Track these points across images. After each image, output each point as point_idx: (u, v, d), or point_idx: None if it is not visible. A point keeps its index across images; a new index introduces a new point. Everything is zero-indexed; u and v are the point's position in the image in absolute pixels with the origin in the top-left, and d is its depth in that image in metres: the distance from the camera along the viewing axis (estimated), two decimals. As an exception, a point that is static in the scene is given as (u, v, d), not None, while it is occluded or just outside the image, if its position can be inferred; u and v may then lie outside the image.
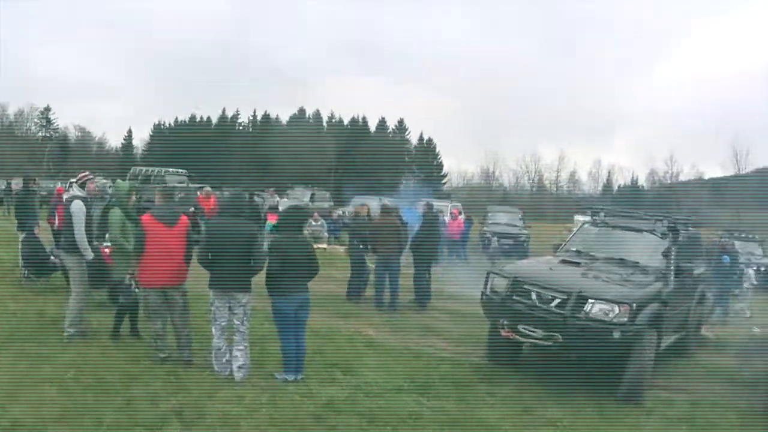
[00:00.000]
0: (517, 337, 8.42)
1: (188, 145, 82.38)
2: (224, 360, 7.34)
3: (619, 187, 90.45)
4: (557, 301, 8.16)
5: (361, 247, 13.43)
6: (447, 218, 23.70)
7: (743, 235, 24.02)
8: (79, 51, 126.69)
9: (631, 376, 7.97)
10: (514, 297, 8.60)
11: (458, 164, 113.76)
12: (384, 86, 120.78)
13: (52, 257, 11.94)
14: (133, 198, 9.03)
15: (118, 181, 9.65)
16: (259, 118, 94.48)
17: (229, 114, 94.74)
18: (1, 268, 14.07)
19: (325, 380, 7.74)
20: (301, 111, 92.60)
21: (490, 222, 27.89)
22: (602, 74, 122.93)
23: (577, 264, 9.34)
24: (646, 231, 10.17)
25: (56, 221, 13.88)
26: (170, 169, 33.34)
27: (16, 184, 40.70)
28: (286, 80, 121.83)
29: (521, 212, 30.51)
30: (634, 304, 7.89)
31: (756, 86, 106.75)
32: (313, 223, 21.85)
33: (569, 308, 7.92)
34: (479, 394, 7.90)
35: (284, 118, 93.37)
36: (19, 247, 12.75)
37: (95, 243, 9.15)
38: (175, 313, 7.71)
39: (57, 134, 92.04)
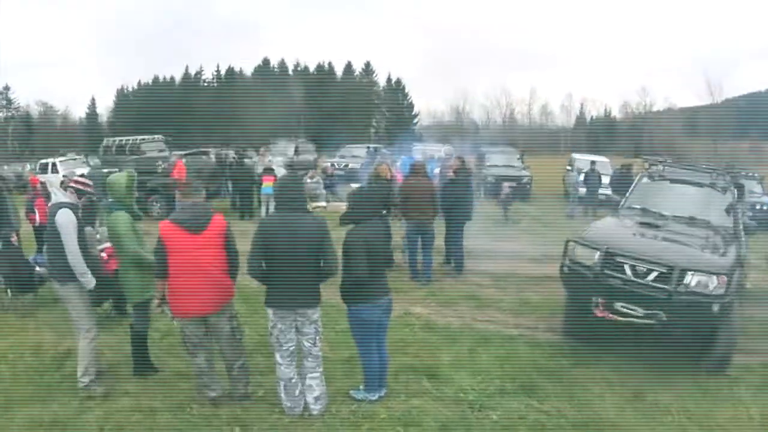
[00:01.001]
0: (615, 317, 7.22)
1: (154, 107, 79.67)
2: (296, 392, 5.62)
3: (591, 118, 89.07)
4: (654, 274, 7.08)
5: (384, 213, 11.55)
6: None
7: (742, 173, 23.03)
8: (30, 23, 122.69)
9: (722, 347, 7.20)
10: (607, 271, 7.31)
11: (427, 103, 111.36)
12: (348, 27, 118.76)
13: (37, 267, 9.86)
14: (136, 193, 6.85)
15: (114, 175, 6.85)
16: (223, 73, 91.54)
17: (192, 71, 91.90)
18: None
19: (415, 393, 6.22)
20: (266, 62, 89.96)
21: (488, 164, 25.76)
22: (572, 4, 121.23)
23: (657, 227, 8.27)
24: (707, 185, 9.22)
25: (37, 217, 12.47)
26: (146, 137, 30.15)
27: None
28: (247, 30, 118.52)
29: (519, 151, 28.50)
30: (730, 275, 7.03)
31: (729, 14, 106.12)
32: (309, 180, 20.15)
33: (673, 283, 6.87)
34: (581, 382, 6.78)
35: (249, 71, 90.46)
36: None
37: (92, 251, 7.18)
38: (223, 341, 5.92)
39: (19, 113, 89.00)
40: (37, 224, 12.45)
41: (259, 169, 18.47)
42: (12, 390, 6.50)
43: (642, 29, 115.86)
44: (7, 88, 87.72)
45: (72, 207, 6.33)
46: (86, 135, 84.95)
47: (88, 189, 6.72)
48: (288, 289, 5.45)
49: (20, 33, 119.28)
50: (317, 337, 5.63)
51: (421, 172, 11.38)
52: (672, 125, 65.23)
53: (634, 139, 69.22)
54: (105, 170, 25.87)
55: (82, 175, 7.16)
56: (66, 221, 6.17)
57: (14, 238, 9.97)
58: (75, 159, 33.35)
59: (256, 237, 5.43)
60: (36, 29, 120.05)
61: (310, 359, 5.64)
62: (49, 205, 6.78)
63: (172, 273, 5.55)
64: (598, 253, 7.41)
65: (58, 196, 6.61)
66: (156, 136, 31.11)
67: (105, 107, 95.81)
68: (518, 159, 27.00)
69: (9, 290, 9.69)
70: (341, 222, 6.03)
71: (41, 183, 14.07)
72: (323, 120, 78.18)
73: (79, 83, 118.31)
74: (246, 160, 19.35)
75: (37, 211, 12.46)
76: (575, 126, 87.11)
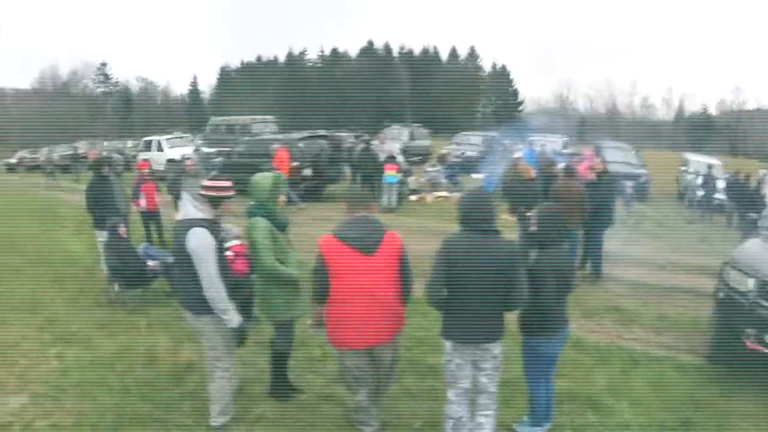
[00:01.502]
0: (765, 350, 6.46)
1: (258, 87, 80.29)
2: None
3: (689, 114, 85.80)
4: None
5: (521, 210, 10.50)
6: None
7: None
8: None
9: None
10: (761, 301, 6.58)
11: (530, 91, 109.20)
12: (453, 10, 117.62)
13: (148, 262, 9.17)
14: (282, 198, 5.92)
15: (259, 175, 5.78)
16: (327, 53, 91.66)
17: (296, 52, 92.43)
18: (76, 268, 11.75)
19: (580, 427, 5.66)
20: (370, 44, 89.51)
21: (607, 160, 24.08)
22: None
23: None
24: None
25: (143, 202, 12.25)
26: (256, 117, 30.27)
27: (82, 147, 39.16)
28: (352, 10, 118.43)
29: (633, 148, 26.48)
30: None
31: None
32: (429, 169, 19.59)
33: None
34: (731, 416, 6.13)
35: (353, 53, 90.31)
36: (101, 251, 9.81)
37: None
38: (382, 371, 5.19)
39: (117, 88, 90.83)
40: (143, 209, 12.36)
41: (381, 157, 17.92)
42: (122, 407, 5.85)
43: (740, 25, 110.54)
44: (104, 64, 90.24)
45: (208, 225, 4.98)
46: (188, 112, 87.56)
47: (227, 194, 5.21)
48: (472, 320, 4.66)
49: (117, 8, 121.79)
50: (496, 374, 4.84)
51: (572, 174, 10.72)
52: (765, 126, 61.96)
53: (729, 138, 66.96)
54: (208, 150, 26.07)
55: (216, 177, 5.58)
56: (201, 246, 4.84)
57: (123, 230, 9.20)
58: (182, 137, 31.91)
59: (439, 258, 4.62)
60: (134, 4, 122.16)
61: (484, 396, 4.88)
62: (177, 219, 5.38)
63: (336, 299, 4.81)
64: (753, 280, 6.70)
65: (187, 208, 5.09)
66: (267, 116, 31.05)
67: (207, 85, 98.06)
68: (635, 155, 25.14)
69: (116, 284, 9.16)
70: (525, 243, 5.33)
71: (150, 168, 13.43)
72: (429, 105, 77.32)
73: (180, 60, 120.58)
74: (371, 146, 18.62)
75: (144, 195, 12.26)
76: (674, 121, 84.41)
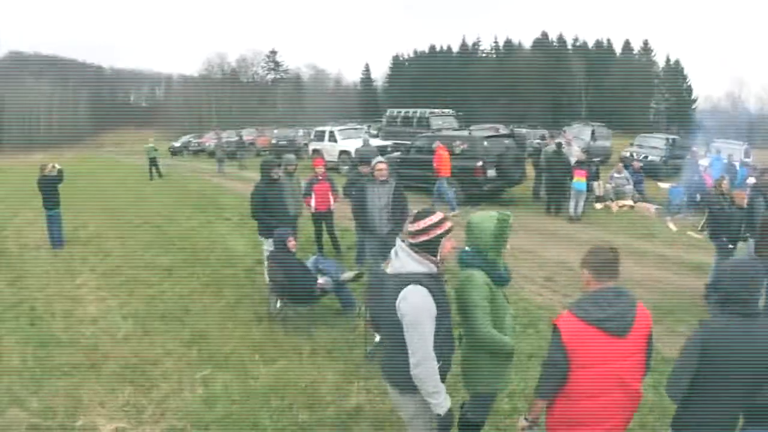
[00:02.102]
0: None
1: (432, 78, 79.79)
2: None
3: None
4: None
5: (725, 240, 9.36)
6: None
7: None
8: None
9: None
10: None
11: (703, 88, 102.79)
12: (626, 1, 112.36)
13: (319, 279, 7.93)
14: (508, 246, 4.48)
15: (479, 214, 4.42)
16: (501, 44, 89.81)
17: (470, 42, 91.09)
18: (235, 269, 10.95)
19: None
20: (544, 35, 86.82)
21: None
22: None
23: None
24: None
25: (313, 202, 11.20)
26: (435, 110, 28.81)
27: (250, 134, 39.18)
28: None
29: None
30: None
31: None
32: (616, 175, 18.10)
33: None
34: None
35: (527, 44, 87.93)
36: (265, 263, 8.76)
37: None
38: None
39: (288, 75, 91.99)
40: (313, 210, 11.37)
41: (572, 160, 16.65)
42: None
43: None
44: (274, 52, 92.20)
45: (428, 280, 3.67)
46: (359, 102, 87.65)
47: (445, 230, 3.82)
48: (715, 416, 3.54)
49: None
50: None
51: None
52: None
53: None
54: (378, 145, 24.80)
55: (421, 213, 3.89)
56: (417, 309, 3.58)
57: (292, 243, 7.89)
58: (356, 128, 30.02)
59: (691, 350, 3.46)
60: None
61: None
62: (391, 270, 3.88)
63: (573, 392, 3.57)
64: None
65: (402, 260, 3.74)
66: (446, 110, 29.97)
67: (380, 74, 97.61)
68: None
69: (279, 300, 8.22)
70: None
71: (325, 167, 12.29)
72: (603, 100, 74.35)
73: (352, 48, 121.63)
74: (564, 149, 17.18)
75: (314, 195, 11.27)
76: None
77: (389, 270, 3.94)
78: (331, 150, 26.57)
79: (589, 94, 77.69)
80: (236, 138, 38.24)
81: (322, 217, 11.54)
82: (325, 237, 11.77)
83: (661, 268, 11.32)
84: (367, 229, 8.46)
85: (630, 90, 75.82)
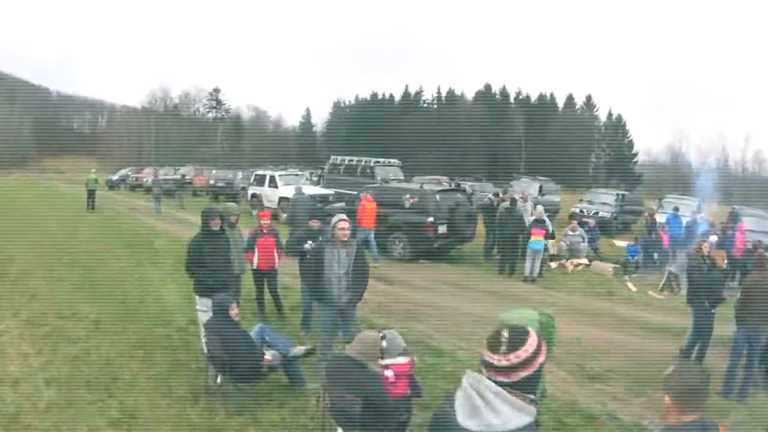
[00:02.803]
0: None
1: (372, 125, 79.90)
2: None
3: None
4: None
5: (707, 305, 9.04)
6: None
7: None
8: (243, 28, 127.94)
9: None
10: None
11: (642, 140, 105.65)
12: (570, 57, 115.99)
13: (266, 355, 6.82)
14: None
15: (507, 317, 4.23)
16: (443, 95, 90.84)
17: (412, 91, 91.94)
18: (168, 329, 9.69)
19: None
20: (487, 87, 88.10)
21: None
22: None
23: None
24: None
25: (255, 258, 10.13)
26: (381, 160, 28.38)
27: (189, 172, 38.31)
28: (469, 51, 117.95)
29: None
30: None
31: None
32: (570, 233, 17.69)
33: None
34: None
35: (470, 95, 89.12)
36: (200, 328, 7.74)
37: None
38: None
39: (229, 115, 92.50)
40: (254, 267, 10.22)
41: (527, 217, 16.21)
42: None
43: None
44: (217, 90, 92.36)
45: None
46: (298, 146, 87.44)
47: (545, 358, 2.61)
48: None
49: (233, 37, 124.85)
50: None
51: (765, 264, 8.78)
52: None
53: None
54: (320, 193, 24.47)
55: (514, 336, 2.37)
56: None
57: (234, 310, 6.79)
58: (297, 174, 29.43)
59: None
60: (250, 34, 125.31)
61: None
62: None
63: None
64: None
65: (501, 413, 2.23)
66: (392, 160, 29.52)
67: (320, 118, 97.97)
68: None
69: (219, 376, 6.99)
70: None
71: (271, 221, 10.89)
72: (543, 153, 75.40)
73: (293, 91, 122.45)
74: (520, 205, 16.68)
75: (257, 251, 10.16)
76: None
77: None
78: (270, 195, 25.67)
79: (528, 147, 78.82)
80: (173, 175, 37.69)
81: (265, 276, 10.42)
82: (267, 295, 10.68)
83: (626, 331, 11.05)
84: (323, 299, 7.39)
85: (570, 144, 77.19)
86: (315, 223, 9.63)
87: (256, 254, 10.15)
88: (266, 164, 39.02)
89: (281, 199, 24.94)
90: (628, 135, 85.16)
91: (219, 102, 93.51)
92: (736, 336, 8.49)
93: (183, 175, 35.78)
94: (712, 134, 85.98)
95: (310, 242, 9.17)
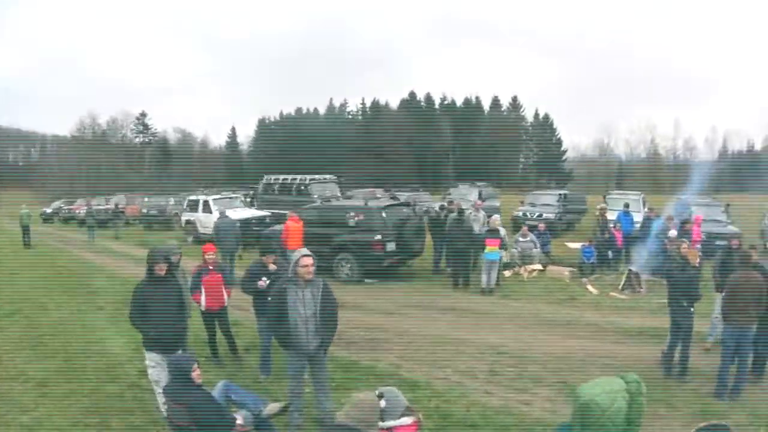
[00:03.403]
0: None
1: (298, 139, 79.71)
2: None
3: (732, 153, 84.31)
4: None
5: (686, 305, 8.86)
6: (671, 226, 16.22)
7: None
8: (173, 52, 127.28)
9: None
10: None
11: (570, 137, 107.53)
12: (495, 59, 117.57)
13: (237, 418, 5.77)
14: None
15: (589, 391, 3.57)
16: (368, 105, 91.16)
17: (337, 103, 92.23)
18: (118, 385, 8.64)
19: None
20: (412, 95, 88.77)
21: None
22: (711, 35, 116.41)
23: None
24: None
25: (203, 299, 9.14)
26: (316, 177, 27.62)
27: (121, 201, 37.11)
28: (391, 61, 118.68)
29: (723, 203, 21.92)
30: None
31: None
32: (521, 239, 17.28)
33: None
34: None
35: (395, 104, 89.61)
36: (153, 382, 7.11)
37: None
38: None
39: (156, 139, 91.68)
40: (203, 308, 9.22)
41: (478, 228, 15.73)
42: None
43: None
44: (144, 114, 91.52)
45: None
46: (226, 166, 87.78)
47: None
48: None
49: (158, 60, 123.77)
50: None
51: (751, 263, 8.53)
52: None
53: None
54: (256, 216, 23.90)
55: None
56: None
57: (197, 372, 5.58)
58: (231, 198, 27.65)
59: None
60: (175, 56, 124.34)
61: None
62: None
63: None
64: None
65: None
66: (327, 176, 28.77)
67: (245, 136, 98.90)
68: (723, 212, 21.22)
69: None
70: None
71: (215, 254, 9.68)
72: (471, 157, 76.10)
73: (218, 111, 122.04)
74: (467, 214, 16.26)
75: (204, 291, 9.14)
76: (718, 160, 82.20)
77: None
78: (205, 221, 24.47)
79: (456, 152, 79.39)
80: (105, 206, 37.02)
81: (215, 316, 9.47)
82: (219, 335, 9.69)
83: (600, 338, 10.75)
84: (290, 346, 6.60)
85: (498, 146, 78.15)
86: (269, 260, 8.83)
87: (203, 294, 9.15)
88: (195, 187, 38.33)
89: None
90: (556, 133, 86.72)
91: (146, 126, 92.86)
92: (724, 335, 8.43)
93: (116, 204, 34.55)
94: (641, 125, 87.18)
95: (264, 279, 8.53)
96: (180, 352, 6.79)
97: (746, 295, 8.15)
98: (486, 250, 14.48)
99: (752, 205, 23.96)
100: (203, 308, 9.24)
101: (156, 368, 6.84)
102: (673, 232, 15.26)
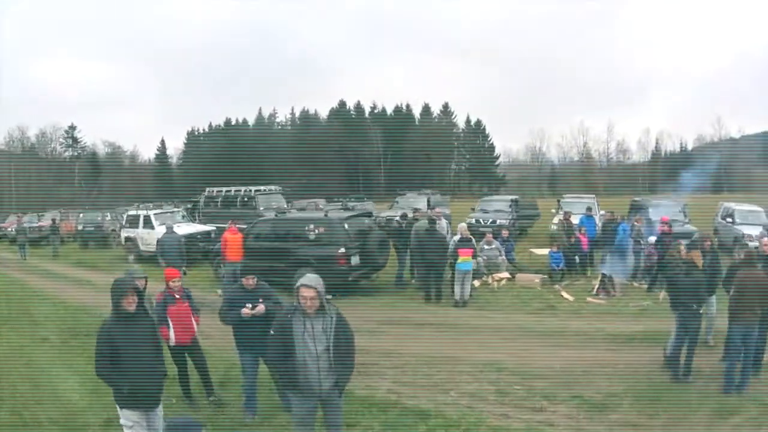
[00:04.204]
0: None
1: (228, 151, 78.60)
2: None
3: (664, 153, 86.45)
4: None
5: (695, 307, 8.76)
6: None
7: None
8: (99, 64, 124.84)
9: None
10: None
11: (502, 143, 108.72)
12: (424, 67, 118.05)
13: None
14: None
15: None
16: (297, 115, 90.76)
17: (266, 114, 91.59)
18: None
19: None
20: (342, 104, 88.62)
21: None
22: (641, 38, 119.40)
23: None
24: None
25: (171, 334, 7.96)
26: (261, 188, 26.51)
27: (53, 218, 34.96)
28: (321, 71, 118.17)
29: (682, 203, 21.97)
30: None
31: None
32: (486, 246, 16.84)
33: None
34: None
35: (324, 114, 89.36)
36: None
37: None
38: None
39: (85, 152, 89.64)
40: (172, 343, 8.05)
41: (451, 237, 15.22)
42: None
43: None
44: (72, 128, 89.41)
45: None
46: (156, 178, 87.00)
47: None
48: None
49: (85, 72, 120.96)
50: None
51: (754, 261, 8.85)
52: (747, 154, 60.26)
53: (710, 174, 65.62)
54: (201, 231, 22.95)
55: None
56: None
57: None
58: (173, 212, 26.14)
59: None
60: (101, 68, 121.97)
61: None
62: None
63: None
64: None
65: None
66: (273, 187, 27.84)
67: (174, 149, 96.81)
68: (680, 212, 21.19)
69: None
70: None
71: (180, 279, 8.43)
72: (403, 165, 76.33)
73: (146, 124, 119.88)
74: (438, 224, 15.46)
75: (171, 324, 7.99)
76: (650, 161, 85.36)
77: None
78: (147, 238, 23.34)
79: (388, 160, 79.49)
80: (37, 222, 35.51)
81: (186, 350, 8.29)
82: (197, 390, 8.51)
83: (594, 346, 10.50)
84: (298, 389, 5.59)
85: (430, 153, 78.55)
86: (250, 281, 7.63)
87: (171, 327, 7.96)
88: (125, 202, 36.72)
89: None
90: (489, 139, 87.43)
91: (75, 139, 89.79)
92: (731, 333, 8.52)
93: (53, 220, 31.79)
94: (573, 129, 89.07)
95: (248, 305, 7.33)
96: (161, 408, 5.94)
97: (752, 293, 8.31)
98: (459, 260, 13.96)
99: (701, 205, 24.25)
100: (172, 343, 8.02)
101: (134, 428, 5.75)
102: (652, 238, 15.29)
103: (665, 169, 77.05)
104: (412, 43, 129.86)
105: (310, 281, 5.51)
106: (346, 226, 15.45)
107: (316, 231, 15.48)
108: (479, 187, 77.65)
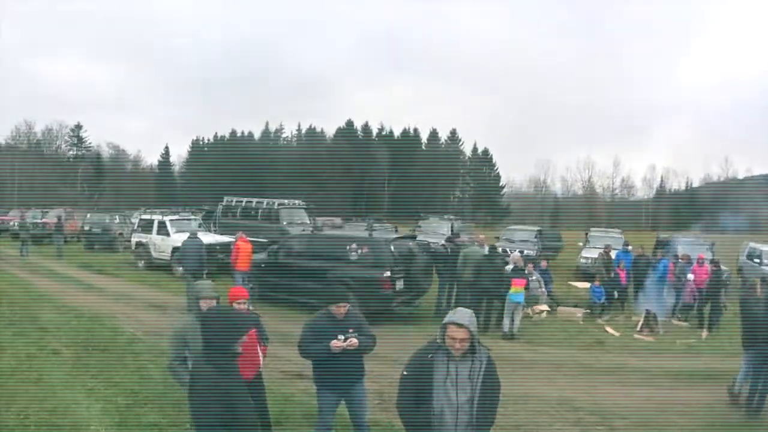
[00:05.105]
0: None
1: (232, 162, 78.69)
2: None
3: (669, 191, 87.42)
4: None
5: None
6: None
7: None
8: (110, 67, 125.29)
9: None
10: None
11: (506, 173, 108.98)
12: (434, 93, 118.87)
13: None
14: None
15: None
16: (304, 131, 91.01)
17: (272, 128, 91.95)
18: None
19: None
20: (349, 123, 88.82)
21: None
22: (649, 75, 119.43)
23: None
24: None
25: None
26: (285, 201, 25.65)
27: (58, 216, 34.40)
28: (331, 88, 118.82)
29: (710, 241, 22.26)
30: None
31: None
32: (531, 279, 16.56)
33: None
34: None
35: (331, 132, 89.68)
36: None
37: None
38: None
39: (89, 153, 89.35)
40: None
41: (505, 266, 15.02)
42: None
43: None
44: (79, 127, 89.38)
45: None
46: (158, 184, 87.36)
47: None
48: None
49: (95, 74, 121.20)
50: None
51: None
52: (755, 194, 60.45)
53: (715, 213, 65.68)
54: (220, 242, 21.63)
55: None
56: None
57: None
58: (190, 219, 24.90)
59: None
60: (112, 71, 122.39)
61: None
62: None
63: None
64: None
65: None
66: (297, 201, 27.13)
67: (178, 156, 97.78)
68: (708, 249, 21.07)
69: None
70: None
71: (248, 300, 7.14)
72: (407, 188, 76.37)
73: (151, 129, 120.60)
74: (499, 251, 15.48)
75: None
76: (655, 198, 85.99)
77: None
78: (161, 245, 22.66)
79: (392, 183, 79.62)
80: (41, 219, 35.19)
81: (249, 387, 6.09)
82: None
83: (657, 384, 10.47)
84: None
85: (434, 178, 78.62)
86: (341, 309, 6.28)
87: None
88: (126, 206, 36.44)
89: (175, 249, 21.19)
90: (495, 168, 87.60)
91: (80, 139, 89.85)
92: (747, 359, 9.14)
93: (59, 218, 30.93)
94: (579, 162, 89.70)
95: (340, 336, 6.13)
96: None
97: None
98: (511, 291, 13.77)
99: (723, 244, 24.20)
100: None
101: None
102: (690, 276, 15.35)
103: (669, 206, 77.54)
104: (423, 69, 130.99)
105: (462, 319, 4.59)
106: (392, 248, 14.87)
107: (359, 251, 14.79)
108: (483, 215, 77.67)
